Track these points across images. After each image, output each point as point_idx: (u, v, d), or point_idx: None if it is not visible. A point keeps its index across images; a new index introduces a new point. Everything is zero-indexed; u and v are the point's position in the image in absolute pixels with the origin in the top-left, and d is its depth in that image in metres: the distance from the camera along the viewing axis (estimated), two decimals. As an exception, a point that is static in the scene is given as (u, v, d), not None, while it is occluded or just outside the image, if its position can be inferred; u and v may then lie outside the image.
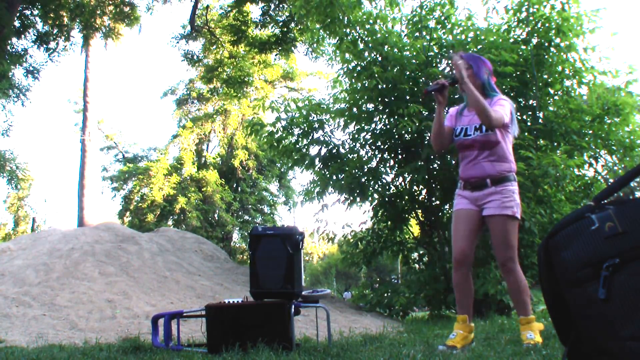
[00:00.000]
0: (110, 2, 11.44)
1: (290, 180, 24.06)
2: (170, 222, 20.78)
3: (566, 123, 6.17)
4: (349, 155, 7.06)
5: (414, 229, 7.62)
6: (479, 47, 6.18)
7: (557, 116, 6.31)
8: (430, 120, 5.83)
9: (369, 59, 6.68)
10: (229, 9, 14.73)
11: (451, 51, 3.06)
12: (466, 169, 2.87)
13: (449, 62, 2.94)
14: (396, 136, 6.54)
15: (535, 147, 5.97)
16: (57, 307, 5.28)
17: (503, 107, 2.79)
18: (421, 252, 7.08)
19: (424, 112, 5.93)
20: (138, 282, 6.59)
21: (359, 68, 6.79)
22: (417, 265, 7.53)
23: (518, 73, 6.00)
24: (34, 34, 10.47)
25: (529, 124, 6.32)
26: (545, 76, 6.32)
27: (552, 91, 6.47)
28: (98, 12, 10.99)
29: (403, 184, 7.00)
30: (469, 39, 6.40)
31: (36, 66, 10.46)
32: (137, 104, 68.77)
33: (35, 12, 10.38)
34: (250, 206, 22.81)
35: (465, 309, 2.80)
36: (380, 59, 6.58)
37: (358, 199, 7.03)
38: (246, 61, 16.70)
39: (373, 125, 7.10)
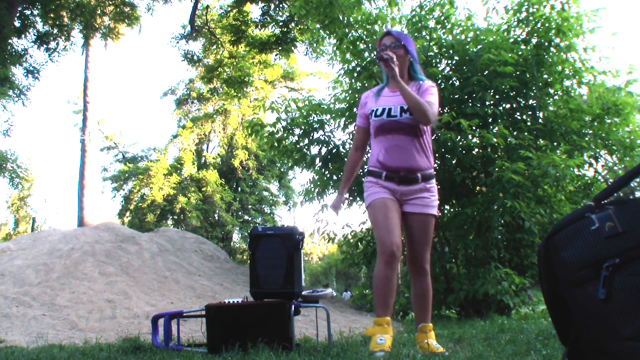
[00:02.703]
0: (111, 2, 11.45)
1: (290, 180, 24.06)
2: (170, 222, 20.78)
3: (566, 123, 6.17)
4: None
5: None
6: (478, 47, 6.18)
7: (557, 116, 6.30)
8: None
9: (369, 59, 6.68)
10: (229, 9, 14.74)
11: (388, 28, 2.73)
12: (392, 157, 2.50)
13: (382, 49, 2.55)
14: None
15: (535, 147, 5.96)
16: (57, 307, 5.29)
17: (435, 97, 2.52)
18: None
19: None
20: (138, 282, 6.59)
21: (359, 68, 6.79)
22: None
23: (518, 73, 5.99)
24: (34, 34, 10.48)
25: (529, 124, 6.32)
26: (545, 76, 6.32)
27: (552, 91, 6.46)
28: (98, 12, 11.00)
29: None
30: (469, 39, 6.40)
31: (36, 66, 10.46)
32: (137, 104, 68.77)
33: (35, 12, 10.38)
34: (250, 206, 22.80)
35: (390, 309, 2.47)
36: (380, 58, 6.57)
37: (358, 199, 7.03)
38: (246, 61, 16.71)
39: (373, 126, 7.09)
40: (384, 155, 2.53)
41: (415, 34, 6.63)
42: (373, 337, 2.39)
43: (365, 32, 6.67)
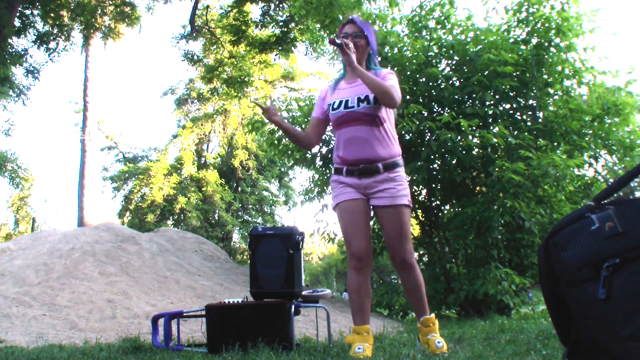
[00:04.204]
0: (111, 2, 11.45)
1: (290, 180, 24.07)
2: (170, 222, 20.78)
3: (566, 123, 6.17)
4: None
5: (414, 229, 7.62)
6: (478, 47, 6.17)
7: (557, 116, 6.30)
8: (430, 120, 5.83)
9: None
10: (229, 9, 14.72)
11: (353, 17, 2.56)
12: (351, 149, 2.44)
13: (343, 36, 2.48)
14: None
15: (535, 147, 5.96)
16: (57, 307, 5.28)
17: (395, 82, 2.47)
18: (421, 252, 7.08)
19: (424, 112, 5.92)
20: (138, 282, 6.58)
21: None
22: (417, 265, 7.51)
23: (518, 73, 5.99)
24: (34, 34, 10.49)
25: (529, 124, 6.32)
26: (545, 76, 6.32)
27: (552, 91, 6.46)
28: (98, 12, 11.00)
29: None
30: (469, 39, 6.40)
31: (36, 66, 10.47)
32: (137, 104, 68.71)
33: (35, 12, 10.39)
34: (250, 206, 22.80)
35: (367, 317, 2.43)
36: (379, 59, 6.56)
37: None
38: (246, 61, 16.69)
39: (373, 125, 7.09)
40: (342, 149, 2.48)
41: (416, 34, 6.63)
42: (352, 345, 2.36)
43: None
